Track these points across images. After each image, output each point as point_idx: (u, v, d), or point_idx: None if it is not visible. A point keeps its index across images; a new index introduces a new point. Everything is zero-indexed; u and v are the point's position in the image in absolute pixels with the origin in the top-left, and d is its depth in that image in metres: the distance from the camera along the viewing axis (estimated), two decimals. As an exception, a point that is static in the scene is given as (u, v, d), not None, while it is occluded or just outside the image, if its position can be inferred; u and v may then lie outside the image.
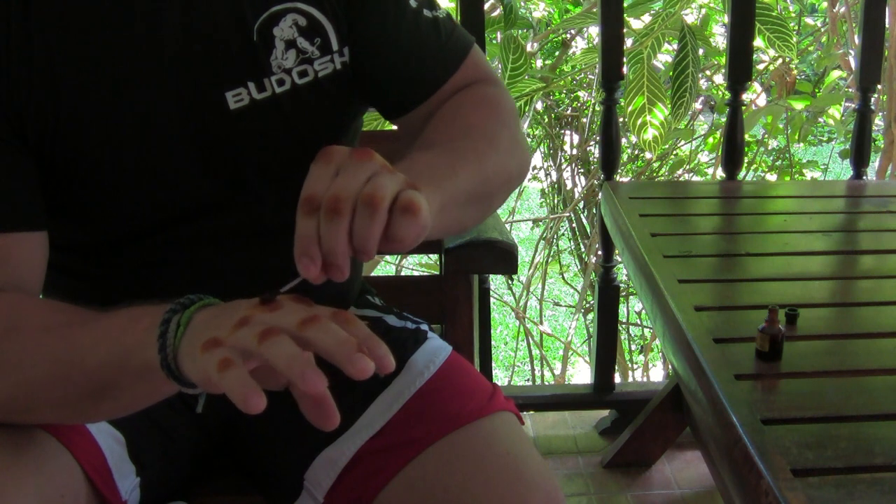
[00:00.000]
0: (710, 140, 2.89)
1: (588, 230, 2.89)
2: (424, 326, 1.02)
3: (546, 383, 3.05)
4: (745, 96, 2.13)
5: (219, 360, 0.55)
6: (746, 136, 2.22)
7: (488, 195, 0.82)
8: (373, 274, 2.45)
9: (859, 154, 1.78)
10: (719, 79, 2.73)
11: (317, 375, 0.54)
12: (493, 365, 2.71)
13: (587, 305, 2.95)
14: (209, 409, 0.96)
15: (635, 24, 2.21)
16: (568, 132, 3.05)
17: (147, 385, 0.67)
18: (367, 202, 0.59)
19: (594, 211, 2.83)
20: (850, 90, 2.80)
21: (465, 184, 0.74)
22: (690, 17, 2.53)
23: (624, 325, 3.02)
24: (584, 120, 2.89)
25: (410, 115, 0.92)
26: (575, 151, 2.99)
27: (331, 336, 0.56)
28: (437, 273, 1.37)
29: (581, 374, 3.45)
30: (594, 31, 2.71)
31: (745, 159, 2.24)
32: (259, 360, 0.56)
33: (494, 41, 2.09)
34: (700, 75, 2.37)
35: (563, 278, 3.26)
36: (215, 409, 0.96)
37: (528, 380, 3.33)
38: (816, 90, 2.85)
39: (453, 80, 0.92)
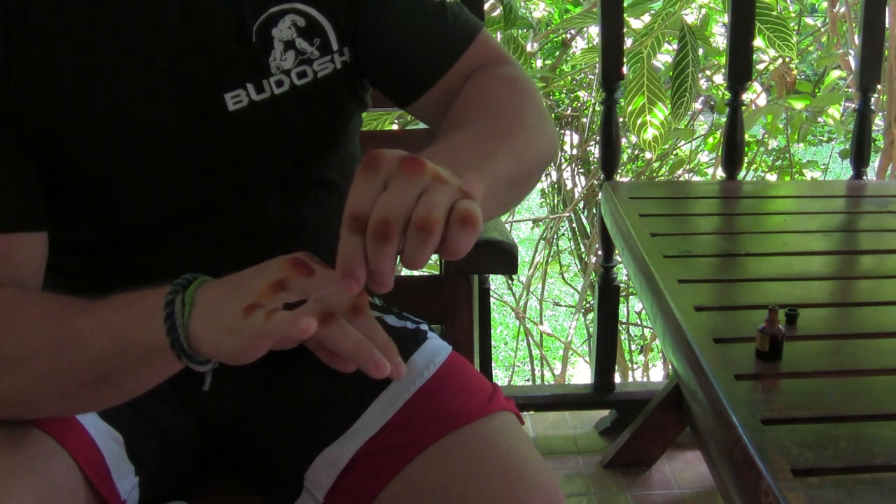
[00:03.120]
0: (710, 140, 2.89)
1: (588, 230, 2.89)
2: (424, 326, 1.02)
3: (546, 383, 3.05)
4: (745, 96, 2.13)
5: (266, 312, 0.57)
6: (746, 136, 2.22)
7: (526, 175, 0.79)
8: (373, 274, 2.45)
9: (859, 154, 1.78)
10: (719, 79, 2.72)
11: (382, 360, 0.57)
12: (493, 365, 2.71)
13: (587, 305, 2.95)
14: (210, 408, 0.96)
15: (635, 23, 2.21)
16: (568, 132, 3.04)
17: (149, 367, 0.68)
18: (421, 227, 0.56)
19: (594, 211, 2.83)
20: (850, 90, 2.80)
21: (505, 166, 0.72)
22: (690, 17, 2.52)
23: (624, 325, 3.02)
24: (584, 120, 2.89)
25: (423, 100, 0.90)
26: (575, 151, 2.99)
27: (378, 333, 0.59)
28: (437, 273, 1.37)
29: (581, 374, 3.45)
30: (594, 31, 2.71)
31: (745, 159, 2.24)
32: (318, 337, 0.58)
33: (494, 41, 2.09)
34: (700, 75, 2.37)
35: (563, 278, 3.26)
36: (215, 409, 0.96)
37: (528, 380, 3.33)
38: (816, 90, 2.85)
39: (463, 63, 0.89)
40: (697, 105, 3.14)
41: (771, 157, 3.04)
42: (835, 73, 2.86)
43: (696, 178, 2.99)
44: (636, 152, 3.02)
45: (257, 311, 0.57)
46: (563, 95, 3.05)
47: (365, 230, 0.56)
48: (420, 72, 0.90)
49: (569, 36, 2.84)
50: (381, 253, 0.56)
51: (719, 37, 2.61)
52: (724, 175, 1.78)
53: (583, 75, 2.80)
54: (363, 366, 0.57)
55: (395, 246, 0.56)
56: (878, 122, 2.67)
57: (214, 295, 0.64)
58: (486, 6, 1.83)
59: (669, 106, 1.91)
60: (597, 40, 1.88)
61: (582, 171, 3.01)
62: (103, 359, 0.67)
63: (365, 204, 0.57)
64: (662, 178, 2.99)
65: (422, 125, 1.15)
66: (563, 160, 3.01)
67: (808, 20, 3.13)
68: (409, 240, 0.56)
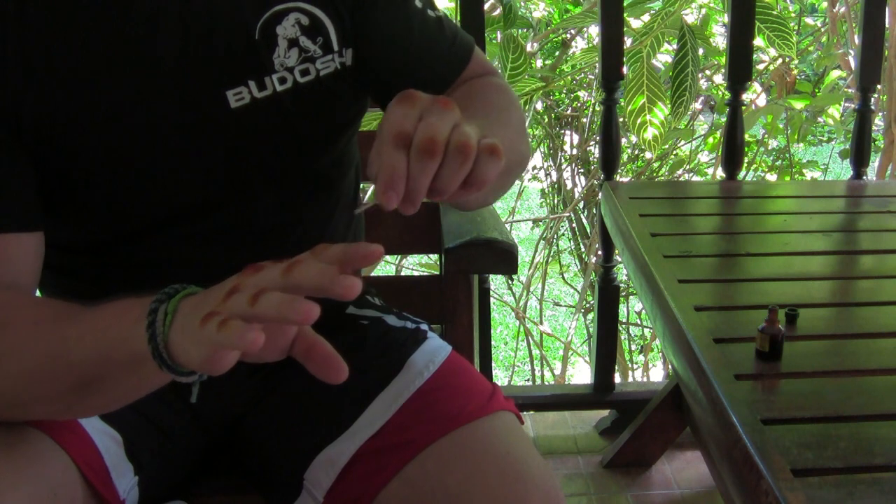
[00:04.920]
0: (710, 140, 2.89)
1: (588, 230, 2.89)
2: (424, 326, 1.02)
3: (546, 383, 3.05)
4: (745, 96, 2.13)
5: (217, 322, 0.56)
6: (746, 136, 2.22)
7: (506, 171, 0.81)
8: (373, 274, 2.45)
9: (859, 154, 1.78)
10: (719, 79, 2.72)
11: (307, 304, 0.55)
12: (493, 365, 2.71)
13: (587, 305, 2.95)
14: (209, 408, 0.96)
15: (635, 23, 2.21)
16: (568, 132, 3.05)
17: (134, 377, 0.67)
18: (460, 149, 0.61)
19: (594, 211, 2.83)
20: (850, 90, 2.80)
21: None
22: (690, 16, 2.52)
23: (624, 325, 3.02)
24: (584, 120, 2.89)
25: None
26: (575, 151, 2.99)
27: (312, 270, 0.57)
28: (437, 273, 1.37)
29: (581, 374, 3.45)
30: (594, 30, 2.71)
31: (745, 159, 2.24)
32: (257, 320, 0.57)
33: (494, 41, 2.09)
34: (700, 75, 2.37)
35: (563, 278, 3.26)
36: (215, 409, 0.96)
37: (528, 380, 3.33)
38: (816, 90, 2.85)
39: (461, 78, 0.94)
40: (697, 105, 3.14)
41: (771, 157, 3.05)
42: (835, 73, 2.86)
43: (696, 178, 2.99)
44: (636, 152, 3.02)
45: (212, 320, 0.57)
46: (563, 95, 3.05)
47: (408, 148, 0.61)
48: (422, 90, 0.91)
49: (569, 36, 2.84)
50: (424, 169, 0.61)
51: (719, 37, 2.61)
52: (724, 175, 1.78)
53: (583, 75, 2.80)
54: (330, 290, 0.56)
55: (437, 164, 0.61)
56: (878, 122, 2.67)
57: (189, 306, 0.63)
58: (486, 6, 1.83)
59: (669, 106, 1.91)
60: (597, 40, 1.88)
61: (582, 171, 3.01)
62: (89, 366, 0.67)
63: (408, 124, 0.62)
64: (662, 178, 2.99)
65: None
66: (563, 160, 3.01)
67: (808, 20, 3.13)
68: (448, 162, 0.61)
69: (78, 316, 0.69)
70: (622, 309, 2.92)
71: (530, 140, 3.15)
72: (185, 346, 0.61)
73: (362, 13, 0.89)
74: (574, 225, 2.96)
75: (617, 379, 1.92)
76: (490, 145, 0.63)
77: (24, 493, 0.72)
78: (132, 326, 0.64)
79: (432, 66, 0.93)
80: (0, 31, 0.78)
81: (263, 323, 0.57)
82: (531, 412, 1.91)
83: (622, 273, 2.12)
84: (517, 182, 2.72)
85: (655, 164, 2.98)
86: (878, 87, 2.10)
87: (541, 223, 3.31)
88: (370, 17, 0.89)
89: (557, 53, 2.89)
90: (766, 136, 2.87)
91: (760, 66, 2.72)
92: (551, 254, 3.05)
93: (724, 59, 1.87)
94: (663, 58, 2.54)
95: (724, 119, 1.81)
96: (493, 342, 2.03)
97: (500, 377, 3.58)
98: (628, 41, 1.96)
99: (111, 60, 0.82)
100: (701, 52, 2.00)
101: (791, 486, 0.74)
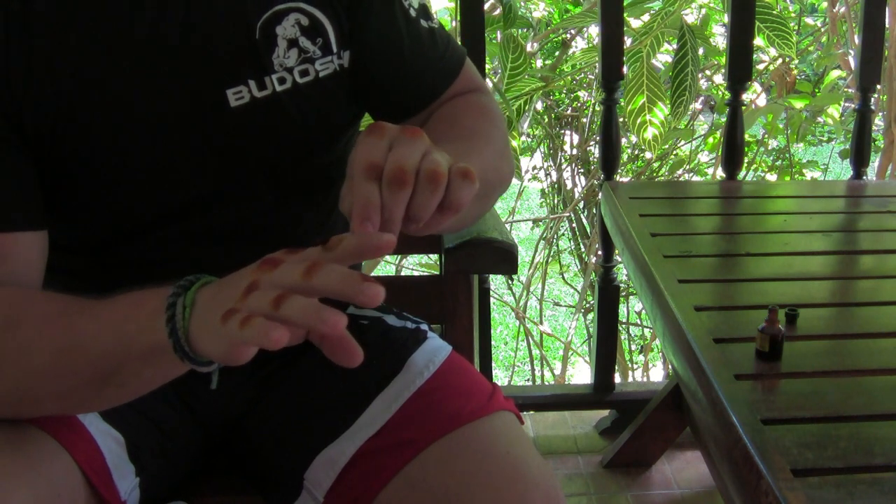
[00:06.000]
0: (710, 140, 2.89)
1: (588, 230, 2.89)
2: (424, 326, 1.02)
3: (546, 383, 3.05)
4: (745, 96, 2.13)
5: (240, 319, 0.57)
6: (746, 136, 2.22)
7: (486, 193, 0.84)
8: (373, 274, 2.45)
9: (859, 154, 1.78)
10: (719, 79, 2.72)
11: (334, 315, 0.56)
12: (493, 365, 2.71)
13: (587, 305, 2.95)
14: (210, 408, 0.96)
15: (635, 23, 2.21)
16: (568, 132, 3.04)
17: (151, 369, 0.68)
18: (430, 177, 0.62)
19: (594, 211, 2.83)
20: (850, 90, 2.80)
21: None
22: (690, 16, 2.52)
23: (624, 325, 3.02)
24: (584, 120, 2.89)
25: (406, 122, 0.93)
26: (575, 151, 2.99)
27: (334, 276, 0.58)
28: (437, 273, 1.37)
29: (581, 374, 3.45)
30: (594, 30, 2.71)
31: (745, 159, 2.24)
32: (280, 322, 0.57)
33: (494, 41, 2.09)
34: (700, 75, 2.37)
35: (563, 278, 3.26)
36: (215, 409, 0.96)
37: (528, 380, 3.33)
38: (816, 90, 2.85)
39: (450, 90, 0.96)
40: (697, 105, 3.14)
41: (771, 157, 3.04)
42: (835, 73, 2.86)
43: (696, 178, 2.99)
44: (636, 152, 3.02)
45: (234, 318, 0.57)
46: (563, 95, 3.05)
47: (379, 179, 0.61)
48: (411, 99, 0.95)
49: (569, 36, 2.84)
50: (396, 199, 0.61)
51: (719, 37, 2.61)
52: (724, 175, 1.78)
53: (583, 75, 2.80)
54: (353, 298, 0.56)
55: (409, 193, 0.61)
56: (878, 122, 2.67)
57: (206, 298, 0.64)
58: (486, 6, 1.83)
59: (669, 105, 1.91)
60: (597, 40, 1.88)
61: (582, 171, 3.01)
62: (106, 359, 0.67)
63: (378, 156, 0.62)
64: (662, 178, 2.99)
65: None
66: (563, 160, 3.01)
67: (808, 20, 3.13)
68: (420, 190, 0.62)
69: (90, 310, 0.70)
70: (622, 309, 2.92)
71: (530, 140, 3.16)
72: (205, 338, 0.62)
73: (359, 15, 0.89)
74: (574, 225, 2.96)
75: (617, 379, 1.92)
76: (462, 169, 0.63)
77: (28, 494, 0.72)
78: (149, 319, 0.64)
79: (422, 75, 0.94)
80: (2, 30, 0.78)
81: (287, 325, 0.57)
82: (531, 412, 1.91)
83: (622, 273, 2.12)
84: (517, 182, 2.72)
85: (655, 164, 2.98)
86: (878, 87, 2.10)
87: (541, 223, 3.31)
88: (365, 21, 0.90)
89: (557, 53, 2.89)
90: (766, 136, 2.87)
91: (760, 66, 2.72)
92: (551, 254, 3.05)
93: (724, 59, 1.87)
94: (663, 58, 2.54)
95: (724, 119, 1.81)
96: (493, 342, 2.03)
97: (500, 377, 3.58)
98: (628, 41, 1.96)
99: (113, 59, 0.82)
100: (701, 52, 2.01)
101: (791, 486, 0.74)
